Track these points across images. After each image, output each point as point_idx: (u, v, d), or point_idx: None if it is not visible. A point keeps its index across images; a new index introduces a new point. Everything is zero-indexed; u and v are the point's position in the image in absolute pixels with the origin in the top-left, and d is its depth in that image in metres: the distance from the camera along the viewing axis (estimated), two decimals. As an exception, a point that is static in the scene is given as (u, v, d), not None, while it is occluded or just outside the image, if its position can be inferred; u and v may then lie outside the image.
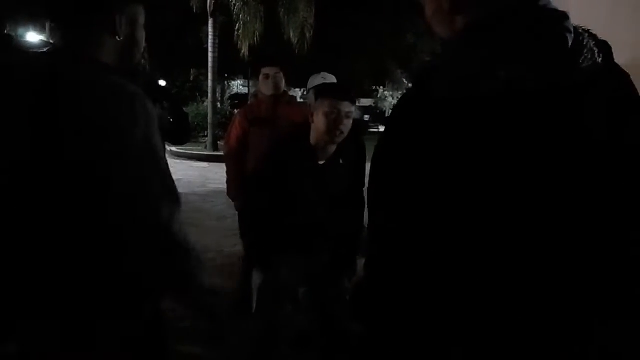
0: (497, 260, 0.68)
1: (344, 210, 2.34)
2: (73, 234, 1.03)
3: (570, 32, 0.72)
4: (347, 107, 2.17)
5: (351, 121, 2.23)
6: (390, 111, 0.79)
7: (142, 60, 1.27)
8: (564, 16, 0.73)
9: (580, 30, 0.75)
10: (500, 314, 0.69)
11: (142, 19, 1.20)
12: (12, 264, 1.03)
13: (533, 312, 0.68)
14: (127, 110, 1.04)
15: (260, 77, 3.48)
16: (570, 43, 0.71)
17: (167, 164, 1.16)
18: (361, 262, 2.58)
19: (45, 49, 1.16)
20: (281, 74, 3.41)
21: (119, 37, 1.14)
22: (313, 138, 2.26)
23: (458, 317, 0.70)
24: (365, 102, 39.19)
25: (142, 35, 1.22)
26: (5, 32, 16.81)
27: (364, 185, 2.96)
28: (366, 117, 37.39)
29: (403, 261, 0.73)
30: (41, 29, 16.63)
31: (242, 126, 3.44)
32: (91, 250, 1.04)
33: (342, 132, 2.17)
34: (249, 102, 3.82)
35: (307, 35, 14.67)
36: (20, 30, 17.00)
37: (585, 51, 0.72)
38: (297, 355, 2.66)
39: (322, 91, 2.29)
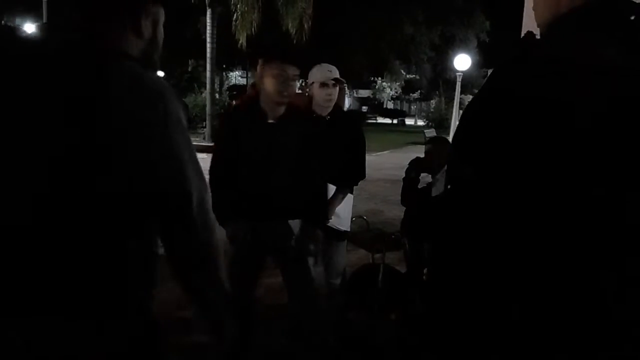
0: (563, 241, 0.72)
1: (309, 181, 2.48)
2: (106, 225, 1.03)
3: None
4: (292, 70, 2.37)
5: (296, 83, 2.43)
6: (489, 75, 0.85)
7: (158, 59, 1.26)
8: None
9: None
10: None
11: (162, 19, 1.22)
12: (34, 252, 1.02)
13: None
14: (164, 103, 1.06)
15: (258, 67, 3.47)
16: None
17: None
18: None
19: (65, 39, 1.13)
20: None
21: (144, 38, 1.16)
22: (262, 100, 2.43)
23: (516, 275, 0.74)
24: (364, 93, 39.09)
25: (161, 35, 1.23)
26: (2, 22, 16.68)
27: (363, 177, 2.96)
28: (364, 108, 37.37)
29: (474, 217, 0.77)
30: (38, 19, 16.51)
31: (240, 117, 3.43)
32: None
33: (288, 93, 2.37)
34: (247, 93, 3.81)
35: (306, 26, 14.59)
36: (17, 21, 16.88)
37: None
38: (292, 345, 2.68)
39: (269, 56, 2.47)
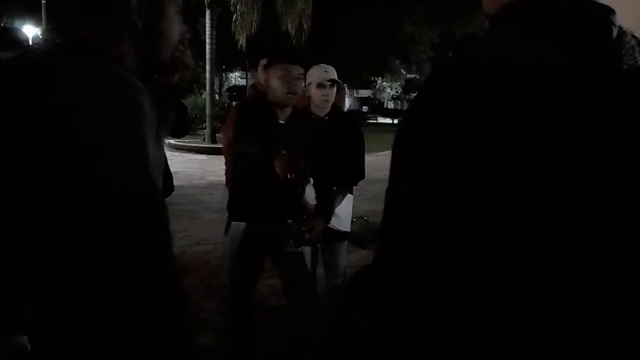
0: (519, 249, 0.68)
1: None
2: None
3: (615, 26, 0.72)
4: (297, 69, 2.40)
5: (302, 82, 2.47)
6: (427, 78, 0.81)
7: (178, 54, 1.04)
8: (611, 10, 0.73)
9: (624, 29, 0.75)
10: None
11: (171, 9, 1.01)
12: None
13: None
14: (114, 101, 0.86)
15: (259, 68, 3.47)
16: (614, 36, 0.71)
17: (159, 163, 1.00)
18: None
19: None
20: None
21: (137, 28, 0.95)
22: (270, 102, 2.44)
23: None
24: (364, 93, 38.95)
25: (169, 27, 1.01)
26: (1, 24, 16.70)
27: (362, 177, 2.94)
28: (365, 108, 37.25)
29: (417, 236, 0.72)
30: (38, 22, 16.54)
31: (240, 118, 3.42)
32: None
33: (295, 93, 2.40)
34: (247, 94, 3.80)
35: (305, 26, 14.57)
36: (17, 23, 16.91)
37: (627, 47, 0.72)
38: (293, 346, 2.67)
39: (274, 57, 2.49)
